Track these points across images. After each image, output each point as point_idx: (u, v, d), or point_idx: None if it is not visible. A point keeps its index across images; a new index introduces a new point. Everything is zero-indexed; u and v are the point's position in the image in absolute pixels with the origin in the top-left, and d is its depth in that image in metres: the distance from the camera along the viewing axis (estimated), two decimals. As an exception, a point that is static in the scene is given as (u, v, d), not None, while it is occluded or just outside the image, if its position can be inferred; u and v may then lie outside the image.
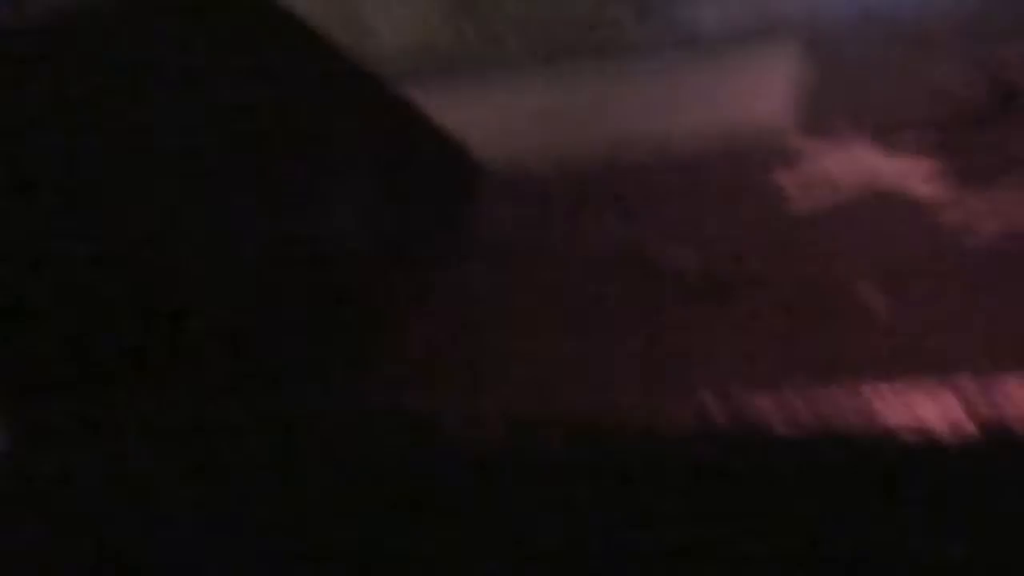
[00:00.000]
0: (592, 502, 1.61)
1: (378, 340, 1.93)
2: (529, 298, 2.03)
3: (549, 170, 2.61)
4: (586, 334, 1.83)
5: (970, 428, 1.39)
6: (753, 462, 1.49)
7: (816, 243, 2.01)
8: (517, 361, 1.79)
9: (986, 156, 2.22)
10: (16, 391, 1.70)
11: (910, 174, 2.24)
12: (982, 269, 1.81)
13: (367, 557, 1.70)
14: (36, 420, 1.68)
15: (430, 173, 2.29)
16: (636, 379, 1.68)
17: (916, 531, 1.45)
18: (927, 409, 1.43)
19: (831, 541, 1.47)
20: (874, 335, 1.66)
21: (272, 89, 1.97)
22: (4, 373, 1.71)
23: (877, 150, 2.37)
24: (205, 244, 1.82)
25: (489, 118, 3.08)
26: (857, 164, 2.33)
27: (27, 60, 1.82)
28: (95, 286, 1.75)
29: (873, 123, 2.46)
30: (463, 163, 2.35)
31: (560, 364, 1.75)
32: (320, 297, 1.91)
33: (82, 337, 1.73)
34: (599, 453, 1.63)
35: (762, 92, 2.92)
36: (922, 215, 2.05)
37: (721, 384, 1.53)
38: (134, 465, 1.67)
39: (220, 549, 1.69)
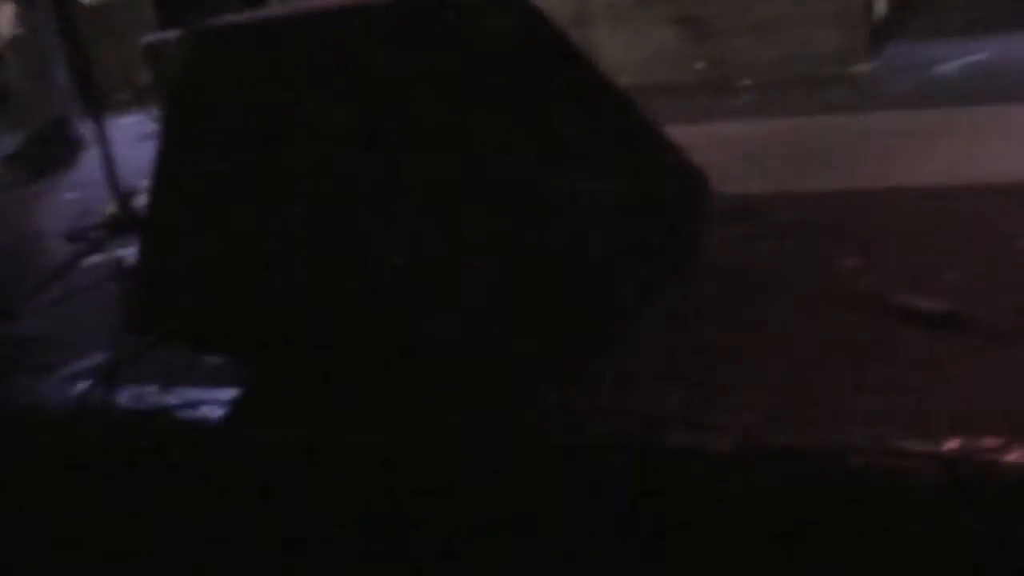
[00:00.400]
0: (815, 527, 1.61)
1: (609, 343, 1.97)
2: (761, 323, 2.03)
3: (787, 203, 2.63)
4: (818, 365, 1.83)
5: None
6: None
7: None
8: (747, 382, 1.80)
9: None
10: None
11: None
12: None
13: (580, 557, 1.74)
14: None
15: (667, 193, 2.32)
16: (870, 415, 1.67)
17: None
18: None
19: None
20: None
21: (530, 99, 2.03)
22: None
23: None
24: (448, 245, 1.90)
25: (726, 148, 3.11)
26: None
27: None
28: (357, 292, 1.88)
29: None
30: (699, 187, 2.37)
31: (788, 392, 1.75)
32: (554, 297, 1.95)
33: (348, 340, 1.89)
34: (819, 479, 1.63)
35: (1005, 149, 2.85)
36: None
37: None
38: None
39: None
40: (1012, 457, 1.51)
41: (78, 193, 3.91)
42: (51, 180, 4.24)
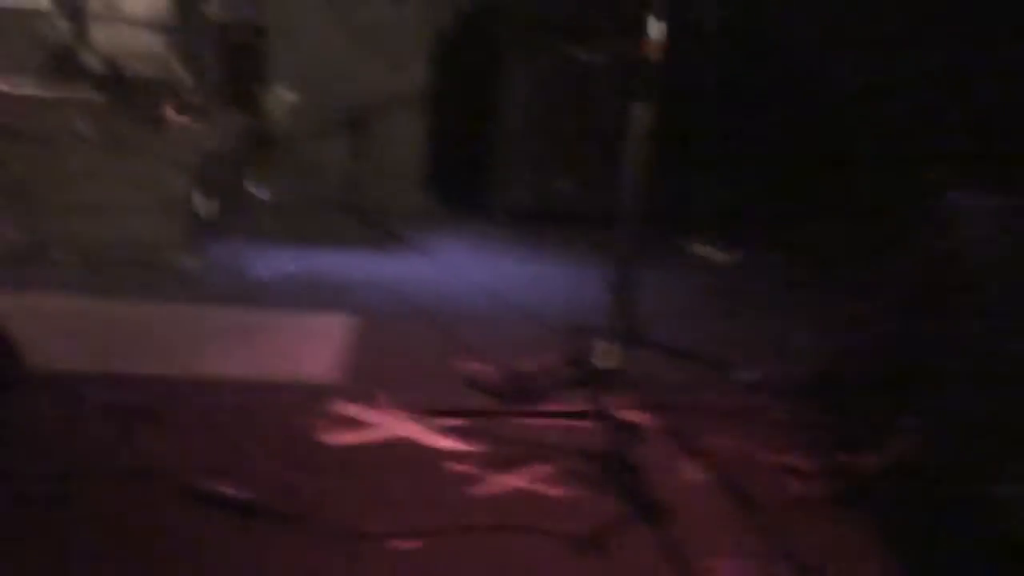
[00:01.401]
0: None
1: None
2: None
3: (103, 384, 2.66)
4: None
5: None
6: None
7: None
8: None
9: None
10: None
11: (432, 434, 2.59)
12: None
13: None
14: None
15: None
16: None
17: None
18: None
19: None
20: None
21: None
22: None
23: (407, 417, 2.70)
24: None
25: (33, 317, 3.06)
26: (386, 424, 2.65)
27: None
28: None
29: (407, 398, 2.79)
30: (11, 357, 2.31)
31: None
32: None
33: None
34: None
35: (311, 353, 3.16)
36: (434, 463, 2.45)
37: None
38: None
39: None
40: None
41: None
42: None
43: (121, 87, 4.16)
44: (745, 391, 3.14)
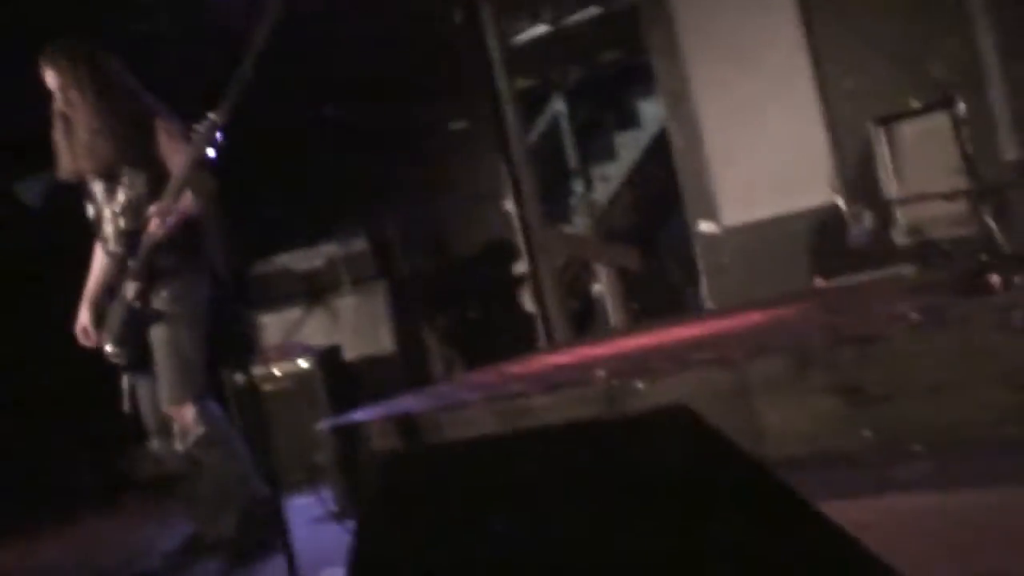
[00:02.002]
0: None
1: None
2: None
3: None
4: None
5: None
6: None
7: None
8: None
9: None
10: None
11: None
12: None
13: None
14: None
15: None
16: None
17: None
18: None
19: None
20: None
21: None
22: None
23: None
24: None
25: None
26: None
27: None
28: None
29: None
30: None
31: None
32: None
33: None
34: None
35: None
36: None
37: None
38: None
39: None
40: None
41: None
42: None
43: (935, 256, 4.13)
44: None
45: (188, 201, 4.31)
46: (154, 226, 4.37)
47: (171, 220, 4.36)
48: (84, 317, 4.69)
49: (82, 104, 4.55)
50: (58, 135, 4.65)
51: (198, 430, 4.45)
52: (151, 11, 6.47)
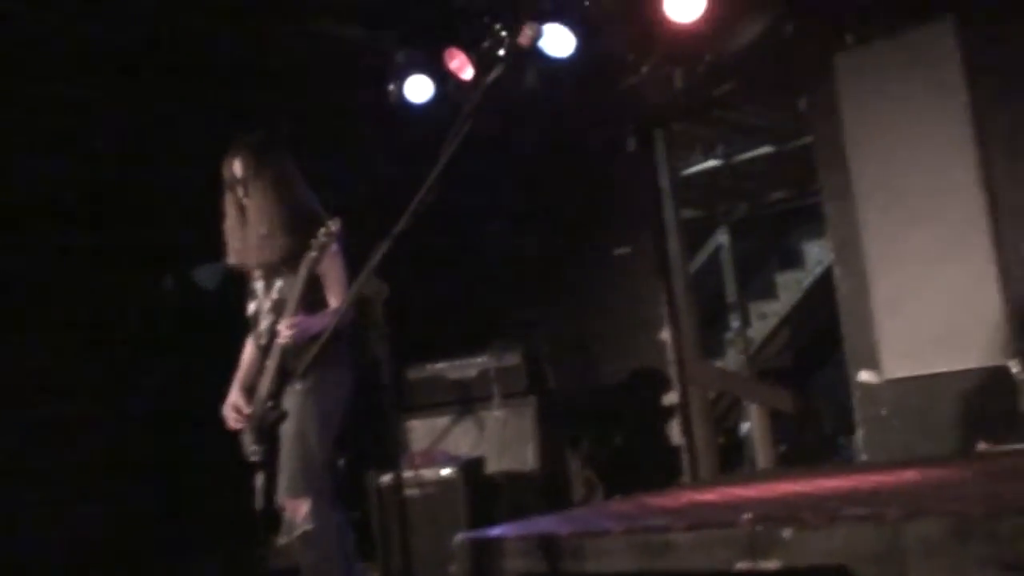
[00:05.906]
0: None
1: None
2: None
3: None
4: None
5: None
6: None
7: None
8: None
9: None
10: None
11: None
12: None
13: None
14: None
15: None
16: None
17: None
18: None
19: None
20: None
21: None
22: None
23: None
24: None
25: None
26: None
27: None
28: None
29: None
30: None
31: None
32: None
33: None
34: None
35: None
36: None
37: None
38: None
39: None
40: None
41: None
42: None
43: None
44: None
45: (319, 320, 4.46)
46: (282, 338, 4.51)
47: (297, 335, 4.49)
48: (235, 396, 4.78)
49: (263, 199, 4.70)
50: (231, 223, 4.81)
51: (306, 526, 4.48)
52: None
